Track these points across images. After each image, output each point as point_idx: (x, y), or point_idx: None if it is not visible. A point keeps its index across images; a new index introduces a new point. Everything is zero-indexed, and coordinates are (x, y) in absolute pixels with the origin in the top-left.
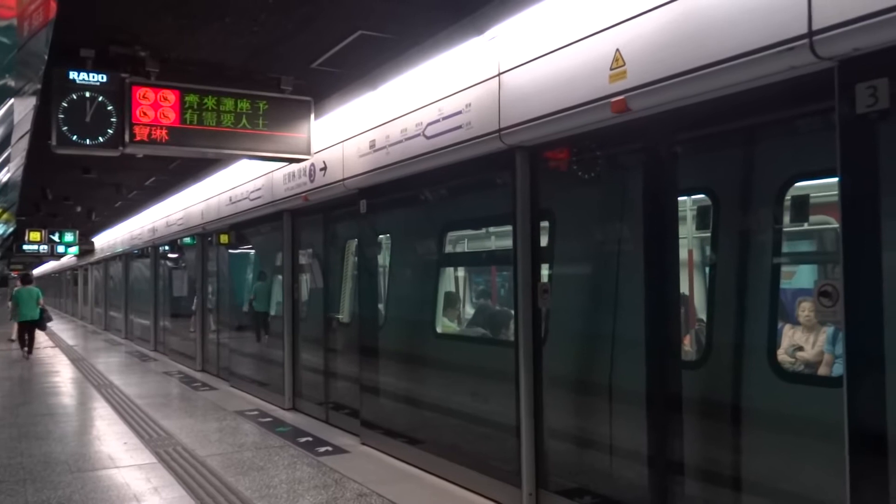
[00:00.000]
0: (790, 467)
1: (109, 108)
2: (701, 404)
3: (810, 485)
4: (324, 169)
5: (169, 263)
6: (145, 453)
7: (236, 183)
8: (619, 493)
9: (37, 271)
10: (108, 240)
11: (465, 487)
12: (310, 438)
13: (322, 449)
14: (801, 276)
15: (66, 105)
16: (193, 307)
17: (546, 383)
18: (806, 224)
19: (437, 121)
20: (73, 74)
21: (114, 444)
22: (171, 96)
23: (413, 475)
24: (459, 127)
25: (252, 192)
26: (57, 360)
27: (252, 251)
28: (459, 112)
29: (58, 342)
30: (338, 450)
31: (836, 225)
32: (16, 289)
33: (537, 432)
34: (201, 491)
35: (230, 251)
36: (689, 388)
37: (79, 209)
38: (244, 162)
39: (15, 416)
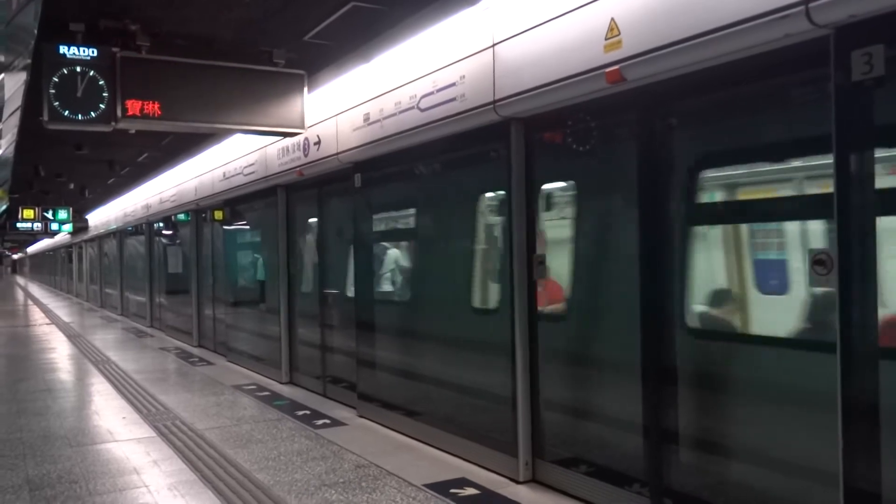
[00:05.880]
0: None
1: (101, 82)
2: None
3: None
4: (318, 143)
5: (163, 240)
6: (144, 427)
7: (230, 158)
8: (615, 461)
9: (31, 249)
10: (102, 217)
11: (462, 458)
12: (307, 411)
13: (320, 422)
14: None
15: (56, 80)
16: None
17: (542, 355)
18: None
19: (432, 93)
20: (63, 49)
21: (112, 418)
22: None
23: (410, 446)
24: (454, 99)
25: (246, 167)
26: (53, 336)
27: (247, 226)
28: (454, 84)
29: (54, 319)
30: (335, 422)
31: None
32: None
33: (533, 403)
34: (200, 463)
35: (224, 227)
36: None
37: (72, 186)
38: (237, 137)
39: (13, 393)
